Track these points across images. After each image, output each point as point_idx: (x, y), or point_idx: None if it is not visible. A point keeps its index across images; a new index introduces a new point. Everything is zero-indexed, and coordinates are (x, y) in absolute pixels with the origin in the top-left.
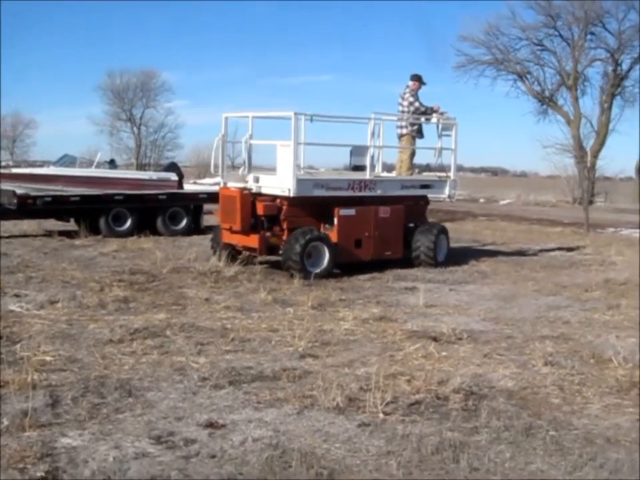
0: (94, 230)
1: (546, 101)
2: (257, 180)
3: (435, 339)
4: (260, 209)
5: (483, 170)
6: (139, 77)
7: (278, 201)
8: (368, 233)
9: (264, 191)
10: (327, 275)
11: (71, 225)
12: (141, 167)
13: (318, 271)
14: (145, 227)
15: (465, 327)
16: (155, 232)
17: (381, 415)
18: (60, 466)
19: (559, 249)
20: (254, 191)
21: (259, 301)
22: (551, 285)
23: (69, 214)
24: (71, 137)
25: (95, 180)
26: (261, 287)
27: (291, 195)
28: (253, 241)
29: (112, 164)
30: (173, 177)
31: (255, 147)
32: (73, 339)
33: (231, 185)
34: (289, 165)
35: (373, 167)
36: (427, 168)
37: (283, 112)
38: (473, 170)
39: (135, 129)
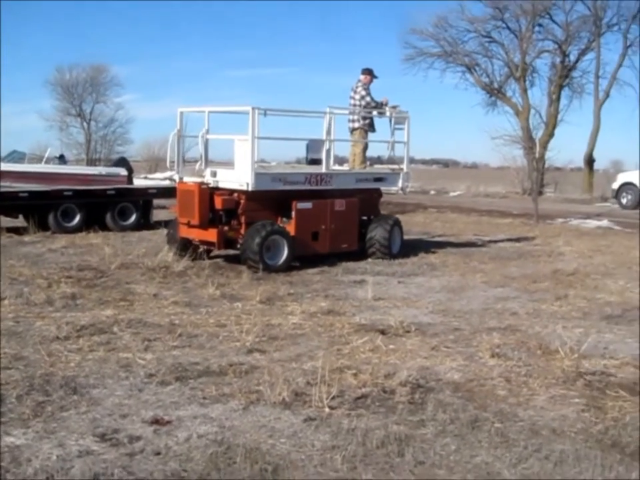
0: (43, 226)
1: (495, 93)
2: (214, 174)
3: (382, 332)
4: (218, 203)
5: (434, 162)
6: (89, 71)
7: (236, 195)
8: (324, 225)
9: (221, 185)
10: (284, 268)
11: (20, 221)
12: (91, 162)
13: (277, 264)
14: (94, 222)
15: (413, 320)
16: (104, 227)
17: (327, 410)
18: (3, 465)
19: (508, 240)
20: (211, 185)
21: (207, 296)
22: (499, 276)
23: (18, 210)
24: (20, 133)
25: (44, 176)
26: (209, 281)
27: (249, 189)
28: (211, 235)
29: (61, 159)
30: (123, 172)
31: (210, 140)
32: (19, 337)
33: (187, 179)
34: (247, 159)
35: (328, 160)
36: (379, 160)
37: (239, 107)
38: (424, 162)
39: (84, 124)
